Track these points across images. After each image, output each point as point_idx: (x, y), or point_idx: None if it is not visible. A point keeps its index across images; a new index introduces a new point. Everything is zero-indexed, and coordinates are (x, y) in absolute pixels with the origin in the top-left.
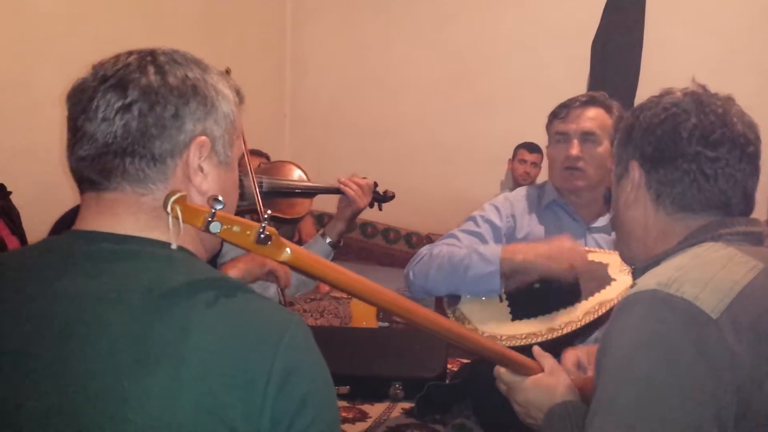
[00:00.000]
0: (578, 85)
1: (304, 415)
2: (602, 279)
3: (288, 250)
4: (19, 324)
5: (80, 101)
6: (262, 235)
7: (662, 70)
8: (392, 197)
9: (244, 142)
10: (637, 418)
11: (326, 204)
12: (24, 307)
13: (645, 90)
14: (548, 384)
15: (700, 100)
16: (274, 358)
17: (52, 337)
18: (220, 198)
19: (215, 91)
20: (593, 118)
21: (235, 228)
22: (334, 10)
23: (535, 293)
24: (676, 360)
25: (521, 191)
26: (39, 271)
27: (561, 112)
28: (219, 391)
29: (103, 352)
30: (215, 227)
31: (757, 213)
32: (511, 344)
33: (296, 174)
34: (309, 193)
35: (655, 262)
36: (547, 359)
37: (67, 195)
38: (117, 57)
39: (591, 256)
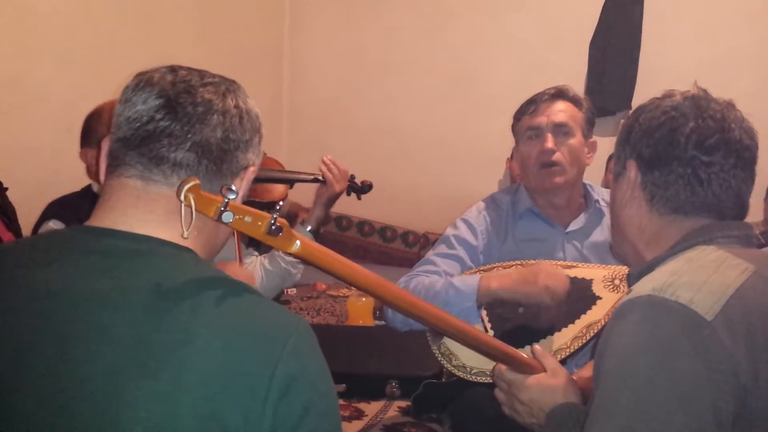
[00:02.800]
0: (576, 85)
1: (306, 423)
2: (588, 298)
3: (298, 242)
4: (20, 321)
5: (162, 94)
6: (274, 226)
7: (660, 70)
8: (370, 187)
9: None
10: (637, 421)
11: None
12: (26, 304)
13: (643, 90)
14: (551, 384)
15: (699, 104)
16: (277, 364)
17: (53, 337)
18: (234, 188)
19: (263, 133)
20: (564, 110)
21: (247, 218)
22: (332, 8)
23: (521, 321)
24: (674, 363)
25: (494, 200)
26: (44, 267)
27: (529, 108)
28: (220, 397)
29: (104, 355)
30: (227, 217)
31: (755, 215)
32: None
33: (273, 165)
34: (285, 180)
35: (649, 267)
36: (548, 359)
37: (63, 191)
38: (200, 71)
39: (574, 272)
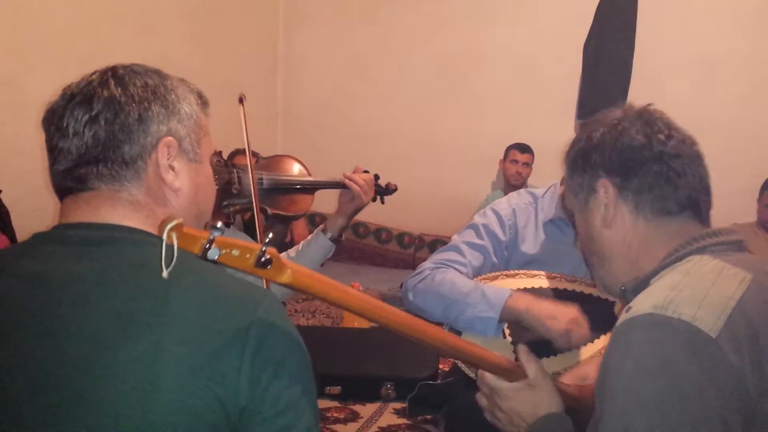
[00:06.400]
0: (570, 87)
1: (280, 377)
2: (608, 321)
3: (289, 271)
4: (3, 307)
5: (53, 123)
6: (263, 259)
7: (654, 72)
8: (395, 190)
9: (248, 144)
10: None
11: (318, 204)
12: (9, 290)
13: (636, 92)
14: (532, 394)
15: (638, 112)
16: (250, 324)
17: (37, 315)
18: (219, 225)
19: (175, 94)
20: None
21: (234, 252)
22: (326, 11)
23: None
24: (684, 383)
25: (526, 198)
26: (23, 259)
27: None
28: (198, 354)
29: (86, 325)
30: (213, 253)
31: (748, 215)
32: None
33: (296, 169)
34: (311, 188)
35: (644, 281)
36: (531, 365)
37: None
38: (83, 78)
39: (597, 292)
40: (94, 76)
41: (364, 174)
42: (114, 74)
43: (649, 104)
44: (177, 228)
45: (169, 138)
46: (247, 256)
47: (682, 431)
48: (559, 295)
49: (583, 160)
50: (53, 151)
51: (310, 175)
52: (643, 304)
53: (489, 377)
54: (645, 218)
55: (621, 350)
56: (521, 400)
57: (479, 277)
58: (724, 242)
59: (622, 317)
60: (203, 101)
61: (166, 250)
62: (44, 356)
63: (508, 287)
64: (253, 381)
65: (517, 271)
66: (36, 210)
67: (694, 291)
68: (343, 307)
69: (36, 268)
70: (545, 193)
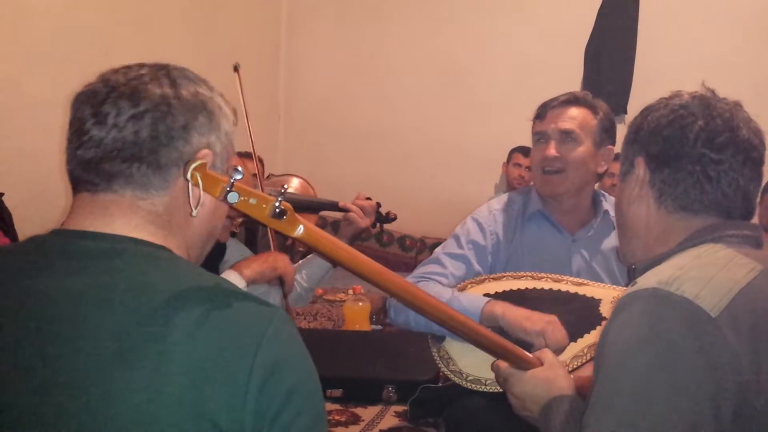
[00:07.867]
0: (572, 89)
1: (290, 408)
2: (594, 318)
3: (301, 227)
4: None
5: (89, 106)
6: (278, 209)
7: (655, 74)
8: (394, 219)
9: (247, 118)
10: (636, 414)
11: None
12: (4, 308)
13: (638, 94)
14: (546, 377)
15: (708, 103)
16: (256, 352)
17: (33, 336)
18: (240, 168)
19: (219, 109)
20: (573, 117)
21: (252, 200)
22: (329, 12)
23: None
24: (676, 357)
25: (506, 199)
26: (20, 269)
27: (539, 112)
28: (201, 385)
29: (84, 349)
30: (233, 197)
31: None
32: (496, 389)
33: (301, 188)
34: (314, 207)
35: (656, 262)
36: (546, 354)
37: (59, 197)
38: (128, 67)
39: (583, 290)
40: (144, 70)
41: (365, 201)
42: (168, 74)
43: (719, 97)
44: (200, 168)
45: (207, 151)
46: (264, 206)
47: (668, 402)
48: (546, 294)
49: (634, 134)
50: (82, 134)
51: (316, 196)
52: (648, 279)
53: (503, 366)
54: (666, 209)
55: (620, 321)
56: (534, 384)
57: (467, 281)
58: (740, 236)
59: (627, 291)
60: (235, 119)
61: (192, 191)
62: (37, 380)
63: (494, 290)
64: (260, 412)
65: (503, 274)
66: (39, 212)
67: (701, 272)
68: (350, 268)
69: (31, 282)
70: (531, 189)
